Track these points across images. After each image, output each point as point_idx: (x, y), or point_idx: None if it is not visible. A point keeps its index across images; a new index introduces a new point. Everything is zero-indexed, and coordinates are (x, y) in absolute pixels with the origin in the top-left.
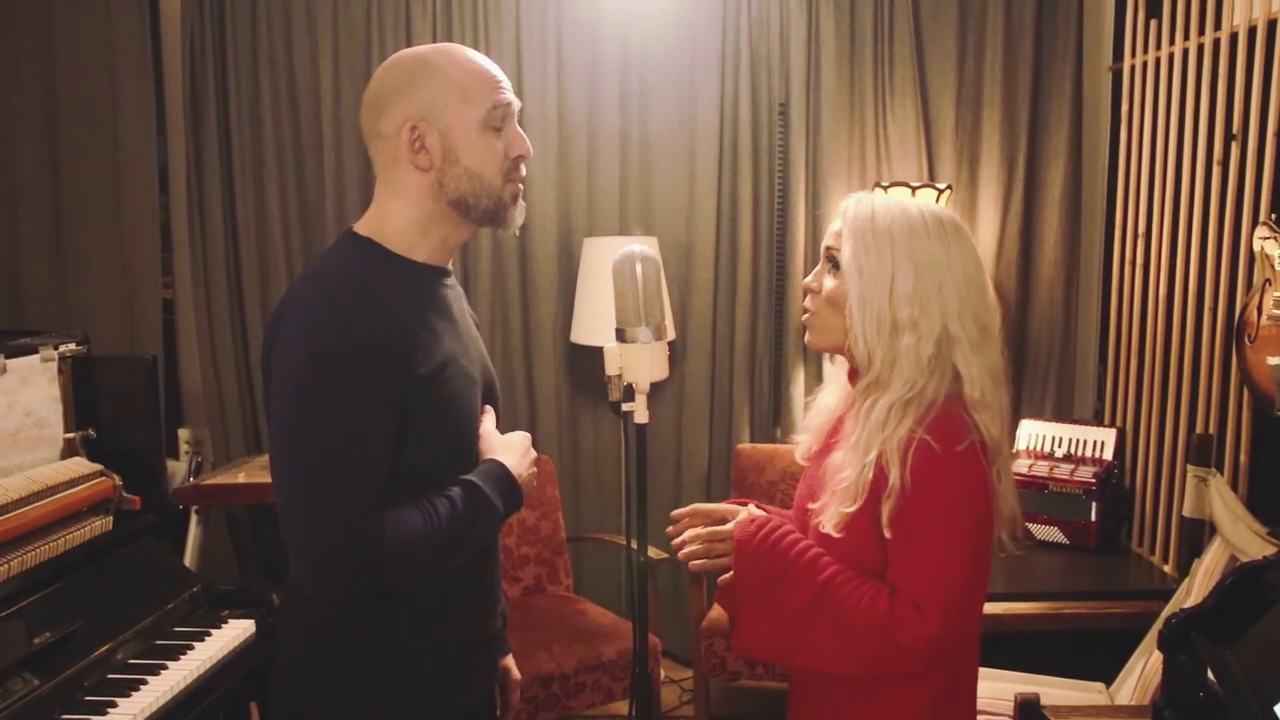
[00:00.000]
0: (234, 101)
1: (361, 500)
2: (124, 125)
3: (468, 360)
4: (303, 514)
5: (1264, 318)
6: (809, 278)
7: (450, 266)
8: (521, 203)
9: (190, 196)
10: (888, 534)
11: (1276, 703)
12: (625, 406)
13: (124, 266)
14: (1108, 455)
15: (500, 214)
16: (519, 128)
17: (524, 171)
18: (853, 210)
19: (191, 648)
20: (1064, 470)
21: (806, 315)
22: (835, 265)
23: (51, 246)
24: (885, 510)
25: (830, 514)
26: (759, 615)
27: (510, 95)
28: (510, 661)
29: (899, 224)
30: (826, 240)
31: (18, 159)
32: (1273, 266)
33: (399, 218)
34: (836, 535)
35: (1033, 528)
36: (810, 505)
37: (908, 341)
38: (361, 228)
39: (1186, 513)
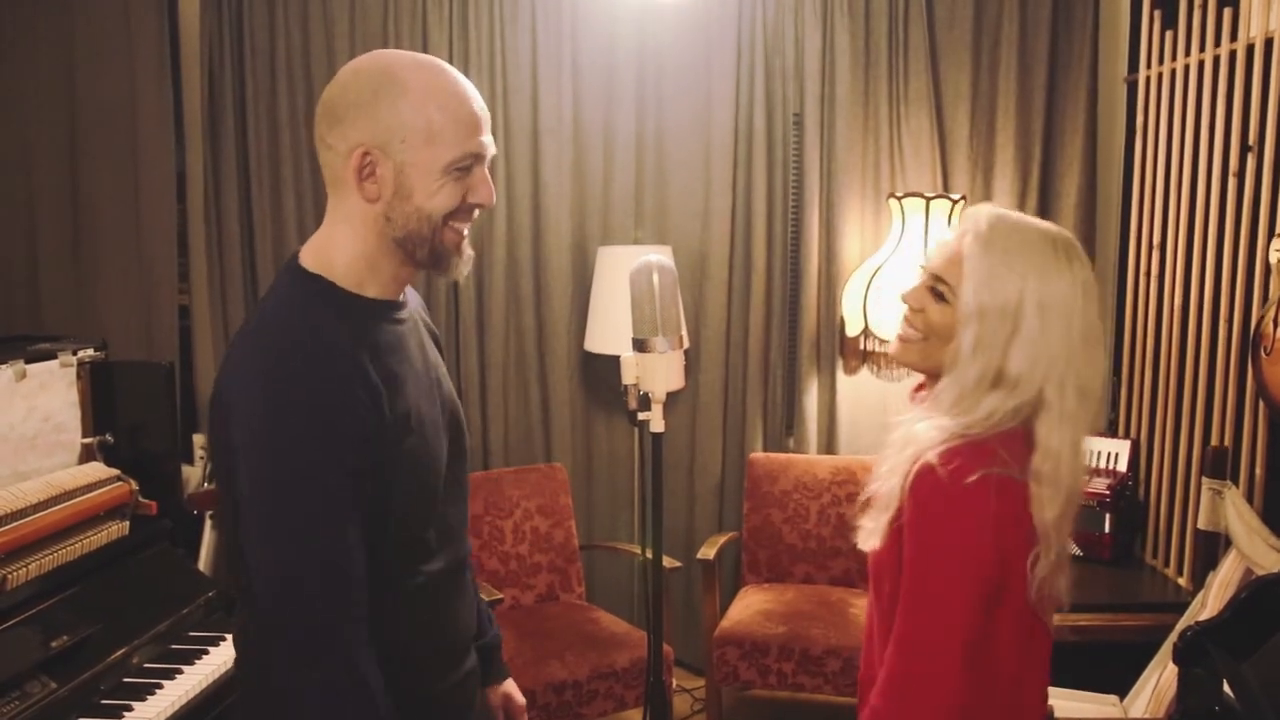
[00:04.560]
0: (251, 109)
1: (343, 590)
2: (142, 133)
3: (430, 403)
4: (284, 606)
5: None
6: (908, 292)
7: (402, 298)
8: (469, 252)
9: (207, 204)
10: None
11: None
12: (641, 415)
13: (141, 273)
14: (1122, 467)
15: (441, 261)
16: (487, 174)
17: (475, 216)
18: (981, 233)
19: (206, 653)
20: None
21: (906, 336)
22: (939, 297)
23: (70, 253)
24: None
25: (869, 527)
26: None
27: (488, 141)
28: (511, 687)
29: (1034, 255)
30: (935, 266)
31: (37, 166)
32: None
33: (346, 249)
34: (877, 545)
35: None
36: (858, 522)
37: (998, 397)
38: (309, 257)
39: (1201, 525)
